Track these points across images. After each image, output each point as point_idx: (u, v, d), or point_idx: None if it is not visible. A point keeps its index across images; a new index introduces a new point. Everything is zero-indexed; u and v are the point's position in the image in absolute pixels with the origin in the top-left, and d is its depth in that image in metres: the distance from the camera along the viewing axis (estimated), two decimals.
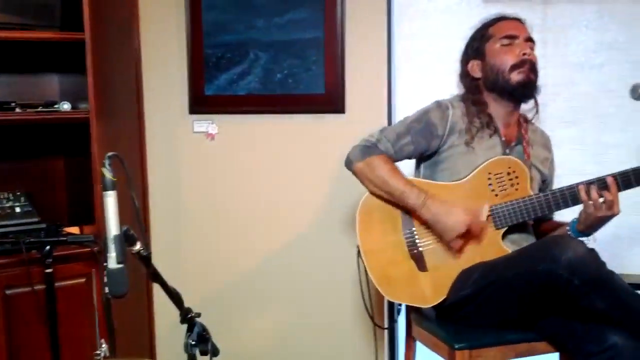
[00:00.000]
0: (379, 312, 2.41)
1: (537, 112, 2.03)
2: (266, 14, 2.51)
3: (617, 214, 1.79)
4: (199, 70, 2.58)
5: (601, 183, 1.79)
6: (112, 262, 1.15)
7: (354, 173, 1.94)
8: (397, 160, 1.96)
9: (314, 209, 2.58)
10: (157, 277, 1.28)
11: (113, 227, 1.15)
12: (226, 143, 2.62)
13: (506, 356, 1.83)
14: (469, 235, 1.84)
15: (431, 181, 1.96)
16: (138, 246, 1.20)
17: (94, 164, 2.29)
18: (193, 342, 1.35)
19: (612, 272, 1.65)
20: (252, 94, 2.56)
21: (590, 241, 1.87)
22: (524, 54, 1.90)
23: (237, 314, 2.68)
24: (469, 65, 2.00)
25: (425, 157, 2.02)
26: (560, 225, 1.97)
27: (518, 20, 1.99)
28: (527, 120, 2.07)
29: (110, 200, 1.16)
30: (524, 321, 1.80)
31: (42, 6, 2.27)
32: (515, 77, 1.91)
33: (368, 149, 1.92)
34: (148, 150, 2.66)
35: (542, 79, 2.26)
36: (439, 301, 1.88)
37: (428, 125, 1.94)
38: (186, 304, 1.61)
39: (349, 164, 1.95)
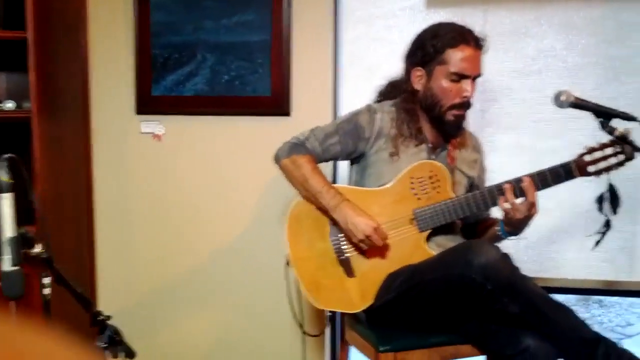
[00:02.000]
0: (312, 317, 2.44)
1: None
2: (214, 16, 2.52)
3: (534, 213, 1.82)
4: (146, 70, 2.59)
5: (519, 183, 1.82)
6: (7, 265, 1.16)
7: (280, 169, 1.96)
8: (324, 160, 1.98)
9: (258, 210, 2.60)
10: (61, 280, 1.28)
11: (8, 229, 1.15)
12: (173, 144, 2.63)
13: (431, 359, 1.86)
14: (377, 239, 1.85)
15: (356, 187, 1.98)
16: (37, 249, 1.21)
17: (35, 164, 2.29)
18: (104, 345, 1.35)
19: (525, 277, 1.68)
20: (199, 95, 2.57)
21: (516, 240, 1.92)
22: (465, 96, 1.88)
23: (174, 312, 2.69)
24: (413, 72, 1.96)
25: (354, 161, 2.04)
26: (493, 225, 1.99)
27: (478, 47, 1.91)
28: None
29: (5, 202, 1.17)
30: (448, 324, 1.84)
31: None
32: (450, 116, 1.91)
33: (296, 146, 1.95)
34: (94, 150, 2.66)
35: (482, 85, 2.31)
36: (366, 306, 1.90)
37: (356, 127, 1.96)
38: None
39: (276, 159, 1.97)
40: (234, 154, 2.60)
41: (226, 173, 2.61)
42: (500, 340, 1.72)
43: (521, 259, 2.43)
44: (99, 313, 1.36)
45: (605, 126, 1.70)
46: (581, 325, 1.68)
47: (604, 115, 1.70)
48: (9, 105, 2.37)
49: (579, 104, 1.74)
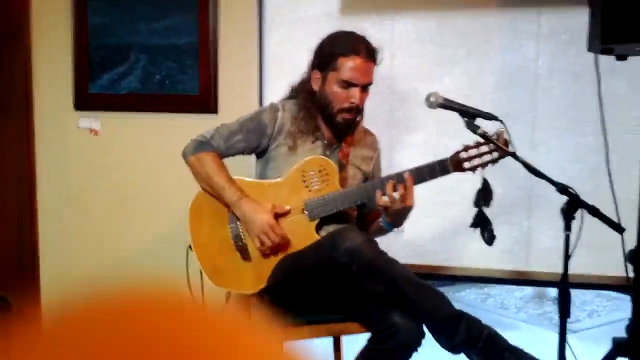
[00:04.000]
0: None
1: (361, 118, 2.20)
2: (146, 19, 2.71)
3: (411, 206, 1.98)
4: (83, 69, 2.77)
5: (399, 177, 1.99)
6: None
7: (188, 165, 2.13)
8: (229, 155, 2.14)
9: (185, 201, 2.77)
10: None
11: None
12: (109, 138, 2.81)
13: (318, 334, 2.04)
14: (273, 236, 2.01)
15: (255, 180, 2.15)
16: None
17: None
18: None
19: (390, 260, 1.85)
20: (132, 93, 2.76)
21: (398, 232, 2.09)
22: (352, 102, 2.04)
23: None
24: (312, 74, 2.13)
25: (259, 155, 2.20)
26: (378, 216, 2.14)
27: (369, 57, 2.04)
28: (355, 126, 2.23)
29: None
30: (334, 305, 2.00)
31: None
32: (339, 118, 2.08)
33: (201, 144, 2.11)
34: (37, 144, 2.84)
35: (390, 89, 2.50)
36: (260, 288, 2.06)
37: (260, 125, 2.13)
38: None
39: (183, 156, 2.14)
40: (165, 148, 2.77)
41: (157, 166, 2.79)
42: (371, 317, 1.89)
43: (429, 249, 2.62)
44: None
45: (470, 125, 1.87)
46: (444, 304, 1.84)
47: (469, 115, 1.88)
48: None
49: (446, 105, 1.91)
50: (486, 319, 1.87)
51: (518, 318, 5.02)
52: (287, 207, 2.04)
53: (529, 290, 5.62)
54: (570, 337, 4.80)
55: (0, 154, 2.65)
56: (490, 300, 5.54)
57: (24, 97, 2.80)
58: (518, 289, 5.73)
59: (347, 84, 2.04)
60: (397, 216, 2.01)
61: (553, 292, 5.45)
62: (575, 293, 5.96)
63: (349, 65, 2.03)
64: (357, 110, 2.09)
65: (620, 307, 4.98)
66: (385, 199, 1.96)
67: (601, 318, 5.07)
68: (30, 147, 2.84)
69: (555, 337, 1.90)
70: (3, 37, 2.67)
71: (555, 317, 5.10)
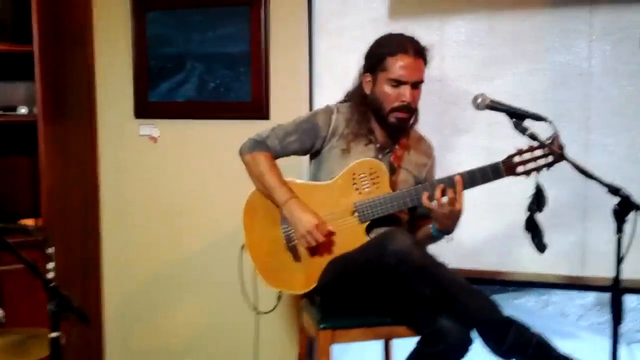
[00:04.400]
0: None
1: (415, 121, 2.22)
2: (201, 29, 2.80)
3: (459, 210, 1.98)
4: (143, 79, 2.90)
5: (449, 181, 1.99)
6: None
7: (243, 163, 2.19)
8: (284, 155, 2.20)
9: (240, 205, 2.84)
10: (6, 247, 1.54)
11: None
12: (167, 145, 2.93)
13: (366, 337, 2.07)
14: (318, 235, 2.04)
15: (307, 182, 2.21)
16: None
17: (40, 162, 2.62)
18: (55, 309, 1.60)
19: (437, 263, 1.86)
20: (189, 101, 2.86)
21: (448, 240, 2.09)
22: (404, 100, 2.07)
23: (169, 296, 3.00)
24: (363, 77, 2.19)
25: (312, 156, 2.26)
26: (428, 222, 2.15)
27: (417, 55, 2.07)
28: (409, 129, 2.26)
29: None
30: (382, 306, 2.02)
31: None
32: (392, 118, 2.11)
33: (257, 143, 2.18)
34: (99, 150, 2.99)
35: (440, 91, 2.50)
36: (310, 288, 2.11)
37: (314, 126, 2.18)
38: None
39: (240, 154, 2.21)
40: (219, 154, 2.86)
41: (211, 171, 2.89)
42: (419, 321, 1.90)
43: (481, 253, 2.60)
44: (50, 280, 1.61)
45: (518, 126, 1.86)
46: (493, 309, 1.84)
47: (517, 116, 1.86)
48: (22, 110, 2.71)
49: (494, 106, 1.90)
50: (545, 326, 1.87)
51: (578, 326, 4.89)
52: (331, 228, 2.07)
53: (590, 298, 5.46)
54: (635, 347, 4.61)
55: (66, 160, 2.79)
56: (549, 307, 5.41)
57: (87, 106, 2.95)
58: (579, 297, 5.57)
59: (397, 83, 2.07)
60: (445, 221, 2.01)
61: None
62: (639, 301, 5.75)
63: (397, 64, 2.06)
64: (410, 109, 2.10)
65: None
66: (432, 203, 1.96)
67: None
68: (94, 154, 2.98)
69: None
70: (67, 48, 2.81)
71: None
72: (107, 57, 2.94)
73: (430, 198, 1.99)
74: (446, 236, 2.09)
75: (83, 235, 2.95)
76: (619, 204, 1.73)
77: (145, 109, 2.91)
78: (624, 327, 4.82)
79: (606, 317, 4.90)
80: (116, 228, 3.02)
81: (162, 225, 2.96)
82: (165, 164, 2.93)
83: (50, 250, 2.52)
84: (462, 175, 1.99)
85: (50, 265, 1.74)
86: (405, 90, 2.07)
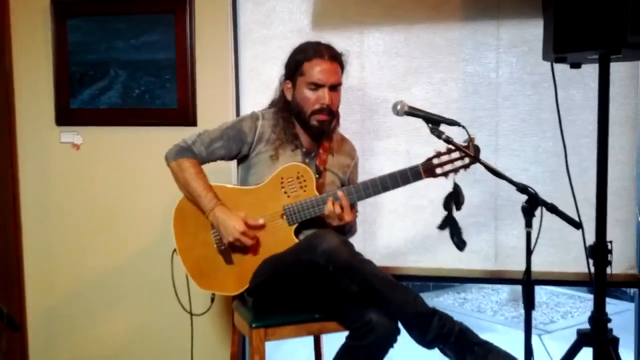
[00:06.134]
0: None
1: (337, 124, 2.32)
2: (124, 36, 2.80)
3: (347, 221, 2.12)
4: (64, 85, 2.86)
5: (335, 196, 2.12)
6: None
7: (169, 169, 2.23)
8: (210, 161, 2.25)
9: (166, 211, 2.85)
10: None
11: None
12: (90, 152, 2.90)
13: (298, 334, 2.14)
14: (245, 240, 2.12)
15: (237, 186, 2.26)
16: None
17: None
18: None
19: (364, 260, 1.97)
20: (112, 108, 2.84)
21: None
22: (322, 103, 2.17)
23: (92, 306, 2.99)
24: (285, 84, 2.27)
25: (240, 161, 2.31)
26: None
27: (332, 58, 2.18)
28: (332, 132, 2.35)
29: None
30: (314, 304, 2.10)
31: None
32: (314, 120, 2.20)
33: (183, 150, 2.22)
34: (20, 157, 2.93)
35: (361, 99, 2.62)
36: (242, 290, 2.17)
37: (240, 133, 2.24)
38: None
39: (166, 160, 2.24)
40: (145, 161, 2.87)
41: (137, 178, 2.89)
42: (349, 316, 1.99)
43: (401, 251, 2.74)
44: None
45: (435, 131, 1.99)
46: (416, 301, 1.95)
47: (433, 121, 1.99)
48: None
49: (412, 112, 2.03)
50: (464, 322, 1.97)
51: (494, 321, 5.18)
52: (261, 221, 2.14)
53: (504, 294, 5.78)
54: (545, 338, 4.92)
55: None
56: (467, 304, 5.68)
57: (6, 113, 2.88)
58: (494, 294, 5.89)
59: (315, 86, 2.17)
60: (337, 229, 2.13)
61: None
62: (549, 295, 6.13)
63: (314, 68, 2.17)
64: (330, 111, 2.20)
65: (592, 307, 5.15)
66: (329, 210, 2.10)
67: (574, 319, 5.24)
68: (13, 162, 2.91)
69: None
70: None
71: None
72: (27, 64, 2.88)
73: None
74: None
75: (4, 246, 2.86)
76: (527, 202, 1.89)
77: (66, 116, 2.87)
78: (535, 320, 5.14)
79: (520, 311, 5.22)
80: (38, 236, 2.95)
81: (87, 234, 2.93)
82: (88, 171, 2.90)
83: None
84: (381, 178, 2.11)
85: None
86: (324, 93, 2.17)
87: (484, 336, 1.96)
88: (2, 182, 2.86)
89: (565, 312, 5.42)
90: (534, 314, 5.21)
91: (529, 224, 1.88)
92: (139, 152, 2.87)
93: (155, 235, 2.87)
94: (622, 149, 2.56)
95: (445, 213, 2.14)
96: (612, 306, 5.10)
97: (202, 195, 2.14)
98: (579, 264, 2.50)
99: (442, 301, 5.71)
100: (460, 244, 2.18)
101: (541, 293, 5.84)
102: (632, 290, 4.21)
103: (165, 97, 2.81)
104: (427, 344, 1.93)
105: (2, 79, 2.86)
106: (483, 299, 5.82)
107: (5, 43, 2.86)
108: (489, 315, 5.38)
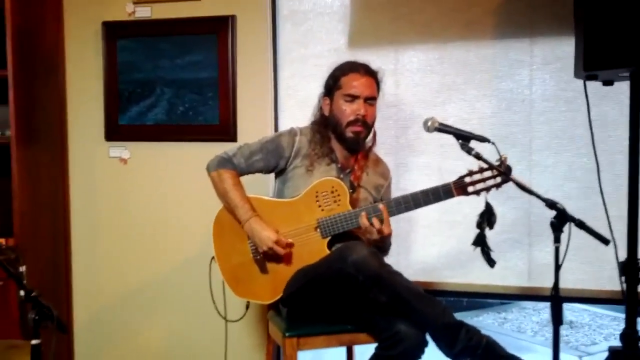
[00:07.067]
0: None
1: (373, 143, 2.40)
2: (170, 56, 2.95)
3: (387, 234, 2.16)
4: (113, 102, 3.02)
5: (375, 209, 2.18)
6: None
7: (210, 178, 2.34)
8: (248, 173, 2.35)
9: (208, 222, 2.97)
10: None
11: None
12: (137, 166, 3.04)
13: (329, 344, 2.20)
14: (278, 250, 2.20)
15: (273, 199, 2.36)
16: None
17: (13, 183, 2.70)
18: (36, 317, 1.70)
19: (393, 271, 2.02)
20: (158, 124, 2.99)
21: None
22: (358, 114, 2.27)
23: (139, 313, 3.11)
24: (323, 101, 2.38)
25: (277, 174, 2.41)
26: None
27: (368, 74, 2.29)
28: (368, 151, 2.42)
29: None
30: (345, 315, 2.16)
31: None
32: (349, 132, 2.29)
33: (223, 161, 2.33)
34: (70, 171, 3.09)
35: (395, 115, 2.69)
36: (276, 299, 2.25)
37: (278, 147, 2.34)
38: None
39: (207, 170, 2.36)
40: (188, 175, 2.99)
41: (180, 191, 3.01)
42: (378, 326, 2.04)
43: (435, 266, 2.77)
44: (32, 290, 1.70)
45: (464, 147, 2.04)
46: (445, 313, 1.98)
47: (463, 137, 2.04)
48: None
49: (442, 129, 2.08)
50: (503, 342, 1.99)
51: (534, 342, 5.10)
52: (290, 240, 2.23)
53: (545, 315, 5.69)
54: (586, 359, 4.80)
55: (37, 182, 2.88)
56: (507, 324, 5.61)
57: (59, 129, 3.05)
58: (534, 314, 5.81)
59: (351, 97, 2.27)
60: (376, 242, 2.19)
61: (569, 316, 5.54)
62: (592, 317, 6.01)
63: (350, 82, 2.28)
64: (365, 124, 2.28)
65: None
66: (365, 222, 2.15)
67: (617, 341, 5.11)
68: (64, 175, 3.08)
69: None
70: (40, 74, 2.91)
71: (572, 341, 5.17)
72: (79, 82, 3.06)
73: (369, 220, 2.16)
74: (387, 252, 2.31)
75: (54, 255, 3.03)
76: (555, 217, 1.91)
77: (115, 131, 3.03)
78: (577, 342, 5.04)
79: (561, 332, 5.13)
80: (86, 248, 3.11)
81: (132, 244, 3.06)
82: (135, 185, 3.04)
83: (22, 268, 2.61)
84: (413, 195, 2.16)
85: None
86: (359, 105, 2.26)
87: (524, 357, 1.98)
88: (54, 194, 3.03)
89: (608, 334, 5.30)
90: (576, 335, 5.14)
91: (557, 240, 1.90)
92: (183, 166, 2.99)
93: (197, 246, 2.98)
94: None
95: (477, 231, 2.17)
96: None
97: (238, 206, 2.23)
98: (613, 282, 2.48)
99: (481, 320, 5.65)
100: (490, 262, 2.21)
101: (584, 315, 5.74)
102: None
103: (207, 113, 2.93)
104: (454, 356, 1.96)
105: (56, 96, 3.04)
106: (524, 319, 5.74)
107: (59, 61, 3.04)
108: (529, 336, 5.30)
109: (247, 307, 2.37)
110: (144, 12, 2.97)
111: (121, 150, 3.04)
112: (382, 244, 2.25)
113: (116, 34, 2.99)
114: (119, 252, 3.08)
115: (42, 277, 2.91)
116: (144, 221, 3.04)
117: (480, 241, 2.19)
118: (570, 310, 5.59)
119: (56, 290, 3.04)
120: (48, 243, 2.98)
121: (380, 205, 2.16)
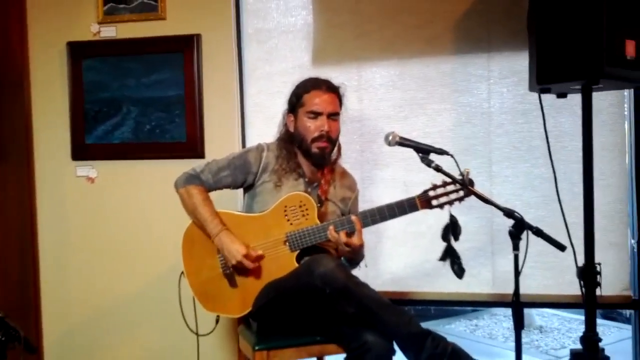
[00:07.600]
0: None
1: (338, 156, 2.45)
2: (135, 75, 2.97)
3: (359, 245, 2.21)
4: (79, 122, 3.02)
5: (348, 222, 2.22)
6: None
7: (178, 195, 2.36)
8: (216, 189, 2.38)
9: (177, 240, 2.98)
10: None
11: None
12: (105, 185, 3.05)
13: (299, 356, 2.22)
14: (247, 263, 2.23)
15: (242, 213, 2.39)
16: None
17: None
18: (2, 339, 1.70)
19: (359, 283, 2.06)
20: (125, 142, 3.00)
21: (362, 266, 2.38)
22: (322, 130, 2.32)
23: (107, 333, 3.10)
24: (287, 118, 2.43)
25: (246, 189, 2.44)
26: None
27: (330, 90, 2.34)
28: (333, 164, 2.47)
29: None
30: (314, 327, 2.19)
31: None
32: (315, 148, 2.34)
33: (191, 177, 2.35)
34: (37, 191, 3.08)
35: (360, 130, 2.75)
36: (245, 312, 2.27)
37: (246, 163, 2.38)
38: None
39: (175, 187, 2.38)
40: (156, 192, 3.01)
41: (148, 209, 3.02)
42: (346, 337, 2.08)
43: (401, 276, 2.83)
44: None
45: (425, 160, 2.10)
46: (411, 322, 2.02)
47: (423, 151, 2.11)
48: None
49: (403, 142, 2.14)
50: (475, 348, 2.04)
51: (506, 347, 5.19)
52: (260, 252, 2.26)
53: None
54: None
55: (3, 202, 2.87)
56: (479, 331, 5.70)
57: (25, 149, 3.05)
58: (505, 320, 5.90)
59: (314, 114, 2.32)
60: (347, 255, 2.25)
61: (539, 320, 5.65)
62: (562, 321, 6.13)
63: (312, 99, 2.33)
64: (330, 139, 2.33)
65: (604, 332, 5.16)
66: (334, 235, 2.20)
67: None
68: (31, 196, 3.07)
69: None
70: (5, 94, 2.92)
71: (542, 345, 5.27)
72: (45, 102, 3.07)
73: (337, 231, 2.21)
74: (360, 263, 2.34)
75: (21, 275, 3.01)
76: (513, 226, 1.98)
77: (82, 150, 3.03)
78: (547, 346, 5.14)
79: (531, 337, 5.23)
80: (55, 267, 3.10)
81: (101, 262, 3.06)
82: (103, 203, 3.05)
83: None
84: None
85: None
86: (323, 121, 2.32)
87: None
88: (21, 214, 3.02)
89: (576, 338, 5.41)
90: (546, 339, 5.24)
91: (516, 247, 1.96)
92: (151, 184, 3.01)
93: (166, 263, 2.99)
94: (613, 173, 2.64)
95: (444, 244, 2.22)
96: (626, 331, 5.11)
97: (208, 221, 2.26)
98: (574, 287, 2.55)
99: (453, 328, 5.73)
100: (459, 273, 2.26)
101: (554, 319, 5.86)
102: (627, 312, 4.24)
103: (174, 131, 2.96)
104: None
105: (22, 116, 3.04)
106: (495, 326, 5.83)
107: (24, 82, 3.04)
108: (500, 342, 5.39)
109: (217, 321, 2.39)
110: (109, 32, 2.99)
111: (88, 169, 3.05)
112: (355, 256, 2.29)
113: (81, 53, 3.01)
114: (88, 271, 3.07)
115: (9, 298, 2.89)
116: (113, 239, 3.05)
117: (448, 254, 2.24)
118: (540, 315, 5.71)
119: (24, 310, 3.02)
120: (15, 263, 2.96)
121: (353, 217, 2.21)
